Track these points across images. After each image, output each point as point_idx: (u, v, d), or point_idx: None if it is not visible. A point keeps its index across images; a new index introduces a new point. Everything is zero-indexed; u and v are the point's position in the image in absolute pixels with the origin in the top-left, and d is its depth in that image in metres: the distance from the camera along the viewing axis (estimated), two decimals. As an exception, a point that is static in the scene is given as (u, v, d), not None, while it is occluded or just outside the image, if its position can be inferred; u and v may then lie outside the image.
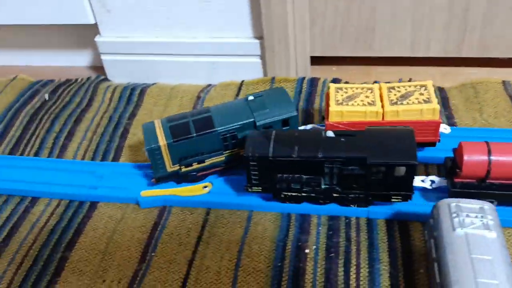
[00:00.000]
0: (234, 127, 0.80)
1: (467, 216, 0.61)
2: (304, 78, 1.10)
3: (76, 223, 0.82)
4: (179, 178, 0.83)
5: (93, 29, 1.17)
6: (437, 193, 0.76)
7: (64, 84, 1.20)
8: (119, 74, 1.21)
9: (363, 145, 0.72)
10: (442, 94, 1.00)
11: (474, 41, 1.05)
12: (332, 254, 0.71)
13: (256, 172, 0.76)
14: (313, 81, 1.08)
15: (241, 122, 0.80)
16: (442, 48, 1.07)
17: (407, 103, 0.79)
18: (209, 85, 1.15)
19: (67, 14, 1.14)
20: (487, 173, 0.69)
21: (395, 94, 0.81)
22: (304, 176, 0.75)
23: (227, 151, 0.82)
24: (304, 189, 0.76)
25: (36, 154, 0.99)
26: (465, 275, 0.55)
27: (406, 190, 0.72)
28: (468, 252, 0.57)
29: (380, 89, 0.83)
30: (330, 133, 0.75)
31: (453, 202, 0.63)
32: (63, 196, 0.87)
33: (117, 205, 0.84)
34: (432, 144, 0.81)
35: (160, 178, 0.83)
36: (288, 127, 0.81)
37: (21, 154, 1.00)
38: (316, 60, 1.15)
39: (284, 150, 0.73)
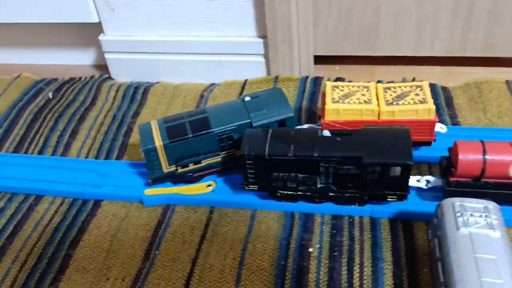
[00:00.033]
0: (230, 128, 0.80)
1: (471, 215, 0.61)
2: (307, 77, 1.10)
3: (80, 221, 0.82)
4: (176, 179, 0.83)
5: (97, 27, 1.17)
6: (433, 192, 0.77)
7: (68, 83, 1.21)
8: (123, 73, 1.21)
9: (359, 145, 0.72)
10: (445, 94, 1.00)
11: (478, 40, 1.05)
12: (335, 253, 0.71)
13: (253, 171, 0.76)
14: (317, 80, 1.08)
15: (237, 123, 0.80)
16: (446, 48, 1.07)
17: (403, 103, 0.79)
18: (213, 84, 1.15)
19: (71, 12, 1.14)
20: (482, 172, 0.69)
21: (391, 95, 0.81)
22: (300, 175, 0.75)
23: (224, 152, 0.82)
24: (300, 188, 0.76)
25: (40, 152, 0.99)
26: (469, 274, 0.55)
27: (401, 189, 0.72)
28: (472, 252, 0.57)
29: (376, 89, 0.83)
30: (326, 132, 0.75)
31: (457, 202, 0.63)
32: (67, 194, 0.87)
33: (121, 203, 0.85)
34: (428, 143, 0.82)
35: (157, 179, 0.83)
36: None
37: (25, 153, 1.00)
38: (319, 59, 1.15)
39: (280, 149, 0.74)
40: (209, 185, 0.83)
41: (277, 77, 1.10)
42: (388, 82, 1.03)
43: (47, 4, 1.14)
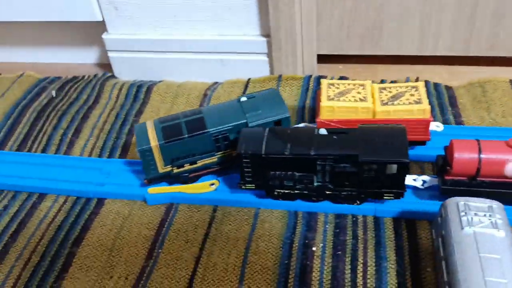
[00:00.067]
0: (226, 128, 0.80)
1: (476, 214, 0.61)
2: (311, 76, 1.10)
3: (83, 219, 0.82)
4: (171, 179, 0.83)
5: (100, 26, 1.17)
6: (430, 191, 0.77)
7: (71, 81, 1.21)
8: (126, 71, 1.21)
9: (355, 143, 0.72)
10: (449, 93, 1.00)
11: (482, 39, 1.05)
12: (339, 252, 0.71)
13: (249, 169, 0.76)
14: (320, 79, 1.08)
15: (233, 123, 0.80)
16: (450, 47, 1.07)
17: (398, 103, 0.79)
18: (216, 82, 1.15)
19: (75, 11, 1.14)
20: (477, 171, 0.69)
21: (386, 95, 0.81)
22: (297, 174, 0.75)
23: (220, 152, 0.82)
24: (297, 186, 0.76)
25: (43, 150, 0.99)
26: (474, 273, 0.55)
27: (398, 187, 0.73)
28: (477, 251, 0.57)
29: (371, 89, 0.83)
30: (322, 131, 0.75)
31: (462, 201, 0.63)
32: (70, 192, 0.87)
33: (124, 201, 0.85)
34: (423, 143, 0.82)
35: (152, 179, 0.82)
36: None
37: (29, 151, 1.00)
38: (323, 58, 1.14)
39: (277, 147, 0.74)
40: (212, 184, 0.83)
41: (280, 76, 1.10)
42: (391, 82, 1.03)
43: (50, 3, 1.14)
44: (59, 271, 0.74)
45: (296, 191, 0.77)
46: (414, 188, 0.77)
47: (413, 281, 0.67)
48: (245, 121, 0.80)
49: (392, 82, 1.05)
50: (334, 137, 0.74)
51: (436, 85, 1.02)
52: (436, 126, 0.87)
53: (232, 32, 1.11)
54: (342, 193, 0.75)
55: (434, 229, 0.68)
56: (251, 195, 0.80)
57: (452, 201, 0.64)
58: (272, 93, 0.85)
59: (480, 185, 0.71)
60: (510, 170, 0.69)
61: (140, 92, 1.13)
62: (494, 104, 0.95)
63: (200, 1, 1.07)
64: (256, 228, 0.77)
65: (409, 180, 0.77)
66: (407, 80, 1.05)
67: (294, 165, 0.74)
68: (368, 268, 0.69)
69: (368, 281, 0.67)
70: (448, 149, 0.72)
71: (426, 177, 0.77)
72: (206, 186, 0.83)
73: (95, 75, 1.22)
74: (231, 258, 0.73)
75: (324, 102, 0.80)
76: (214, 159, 0.83)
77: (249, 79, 1.13)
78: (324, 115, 0.81)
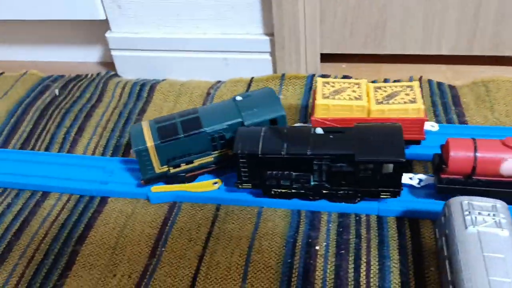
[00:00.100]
0: (222, 127, 0.80)
1: (479, 214, 0.61)
2: (314, 75, 1.10)
3: (86, 217, 0.83)
4: (168, 179, 0.83)
5: (104, 24, 1.17)
6: (426, 189, 0.77)
7: (74, 80, 1.21)
8: (129, 70, 1.21)
9: (351, 142, 0.72)
10: (453, 92, 1.00)
11: (486, 39, 1.05)
12: (342, 251, 0.71)
13: (246, 169, 0.76)
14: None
15: (229, 122, 0.80)
16: (453, 46, 1.07)
17: (393, 102, 0.79)
18: (219, 81, 1.15)
19: (78, 9, 1.14)
20: (473, 169, 0.70)
21: (381, 94, 0.81)
22: (294, 173, 0.75)
23: (216, 152, 0.82)
24: (293, 186, 0.76)
25: (47, 149, 1.00)
26: (478, 273, 0.55)
27: (394, 186, 0.73)
28: (481, 250, 0.57)
29: (367, 87, 0.83)
30: (319, 130, 0.75)
31: (465, 200, 0.63)
32: (74, 191, 0.87)
33: (127, 200, 0.85)
34: (417, 142, 0.82)
35: (149, 179, 0.82)
36: None
37: (32, 149, 1.00)
38: (326, 57, 1.14)
39: (273, 147, 0.74)
40: (215, 183, 0.83)
41: (283, 75, 1.10)
42: (394, 81, 1.03)
43: (54, 2, 1.14)
44: (63, 269, 0.74)
45: (293, 191, 0.77)
46: (411, 187, 0.78)
47: (417, 280, 0.67)
48: (240, 120, 0.80)
49: (395, 81, 1.04)
50: (331, 136, 0.74)
51: (439, 84, 1.02)
52: (431, 126, 0.86)
53: (235, 31, 1.11)
54: (339, 192, 0.75)
55: (438, 228, 0.68)
56: (254, 194, 0.80)
57: (455, 200, 0.63)
58: (267, 92, 0.85)
59: (476, 183, 0.71)
60: (506, 169, 0.69)
61: (143, 91, 1.13)
62: (497, 104, 0.95)
63: (203, 0, 1.07)
64: (259, 227, 0.77)
65: (405, 178, 0.77)
66: (411, 79, 1.05)
67: (290, 164, 0.74)
68: (372, 267, 0.69)
69: (372, 280, 0.67)
70: (444, 147, 0.72)
71: (422, 176, 0.78)
72: (209, 185, 0.83)
73: (98, 74, 1.23)
74: (234, 256, 0.73)
75: (319, 100, 0.80)
76: (210, 158, 0.82)
77: (252, 78, 1.13)
78: (318, 113, 0.81)
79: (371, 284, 0.67)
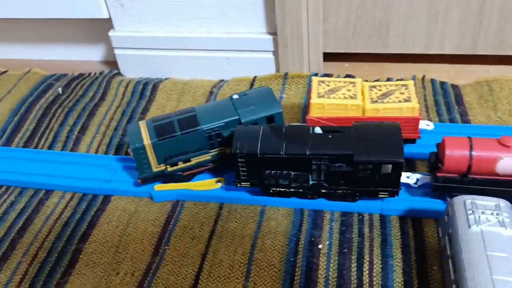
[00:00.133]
0: (219, 125, 0.80)
1: (483, 213, 0.61)
2: (316, 74, 1.10)
3: (90, 216, 0.83)
4: (165, 178, 0.83)
5: (107, 23, 1.17)
6: (423, 188, 0.77)
7: (77, 78, 1.21)
8: (132, 69, 1.21)
9: (350, 142, 0.72)
10: (456, 91, 1.00)
11: (489, 38, 1.04)
12: (345, 250, 0.71)
13: (244, 168, 0.76)
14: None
15: (226, 120, 0.80)
16: (457, 45, 1.07)
17: (388, 101, 0.79)
18: (222, 80, 1.15)
19: (81, 8, 1.14)
20: (469, 168, 0.70)
21: (376, 93, 0.81)
22: (292, 173, 0.75)
23: (213, 150, 0.82)
24: (292, 185, 0.76)
25: (50, 147, 1.00)
26: (481, 272, 0.55)
27: (393, 186, 0.73)
28: (484, 249, 0.57)
29: (362, 87, 0.83)
30: (318, 130, 0.75)
31: (469, 199, 0.63)
32: (77, 189, 0.87)
33: (130, 198, 0.85)
34: (412, 141, 0.82)
35: (146, 178, 0.82)
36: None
37: (35, 148, 1.00)
38: (329, 57, 1.14)
39: (272, 147, 0.74)
40: (218, 181, 0.83)
41: (286, 74, 1.10)
42: (397, 80, 1.03)
43: (57, 0, 1.14)
44: (66, 267, 0.75)
45: (291, 190, 0.77)
46: (408, 186, 0.78)
47: (419, 279, 0.67)
48: (237, 117, 0.80)
49: (398, 80, 1.04)
50: (329, 136, 0.74)
51: (442, 84, 1.02)
52: (426, 125, 0.86)
53: (238, 30, 1.11)
54: (338, 191, 0.75)
55: (441, 227, 0.68)
56: (257, 193, 0.80)
57: (459, 200, 0.63)
58: (264, 90, 0.85)
59: (472, 182, 0.71)
60: (502, 168, 0.69)
61: (146, 90, 1.13)
62: (501, 103, 0.95)
63: (206, -1, 1.08)
64: (262, 226, 0.77)
65: (403, 177, 0.77)
66: (413, 78, 1.04)
67: (289, 164, 0.74)
68: (374, 266, 0.69)
69: (374, 279, 0.67)
70: (440, 146, 0.72)
71: (419, 175, 0.78)
72: (212, 183, 0.83)
73: (101, 73, 1.23)
74: (237, 255, 0.73)
75: (314, 99, 0.81)
76: (208, 156, 0.82)
77: (255, 77, 1.13)
78: (314, 112, 0.81)
79: (374, 283, 0.67)
